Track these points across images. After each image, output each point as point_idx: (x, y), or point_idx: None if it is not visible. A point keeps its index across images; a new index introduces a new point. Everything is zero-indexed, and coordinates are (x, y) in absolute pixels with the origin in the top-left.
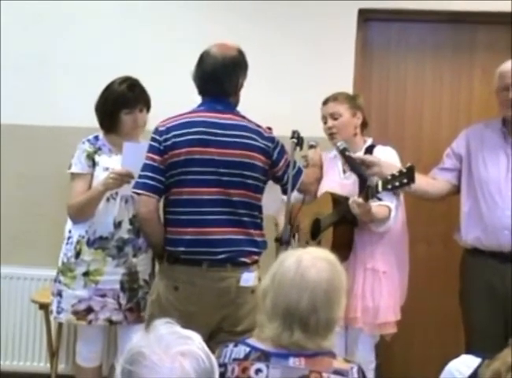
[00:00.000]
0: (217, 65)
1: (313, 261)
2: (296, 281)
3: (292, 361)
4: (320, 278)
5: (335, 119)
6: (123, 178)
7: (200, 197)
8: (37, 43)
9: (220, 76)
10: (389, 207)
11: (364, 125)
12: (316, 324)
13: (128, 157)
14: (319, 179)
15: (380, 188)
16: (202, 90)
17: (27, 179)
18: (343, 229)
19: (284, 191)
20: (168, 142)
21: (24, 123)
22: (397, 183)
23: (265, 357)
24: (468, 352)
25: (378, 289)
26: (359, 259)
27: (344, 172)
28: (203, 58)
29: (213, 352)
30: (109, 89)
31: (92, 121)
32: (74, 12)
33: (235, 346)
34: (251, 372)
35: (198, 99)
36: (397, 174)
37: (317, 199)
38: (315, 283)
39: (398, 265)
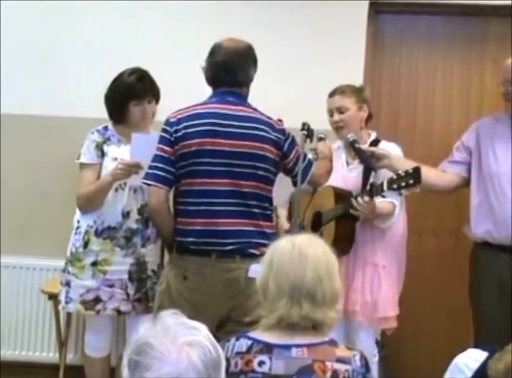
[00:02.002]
0: (229, 55)
1: (305, 239)
2: (295, 258)
3: (295, 352)
4: (317, 251)
5: (342, 113)
6: (131, 168)
7: (211, 188)
8: (44, 32)
9: (233, 65)
10: (393, 203)
11: (369, 118)
12: (323, 294)
13: (136, 148)
14: (330, 172)
15: (385, 187)
16: (214, 81)
17: (37, 169)
18: (345, 223)
19: (294, 183)
20: (179, 134)
21: (35, 113)
22: (403, 184)
23: (267, 348)
24: (477, 345)
25: (377, 283)
26: (360, 254)
27: (348, 164)
28: (215, 50)
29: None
30: (118, 80)
31: (99, 112)
32: (84, 3)
33: (237, 339)
34: (255, 364)
35: (209, 91)
36: (403, 174)
37: (319, 192)
38: (314, 257)
39: (397, 260)
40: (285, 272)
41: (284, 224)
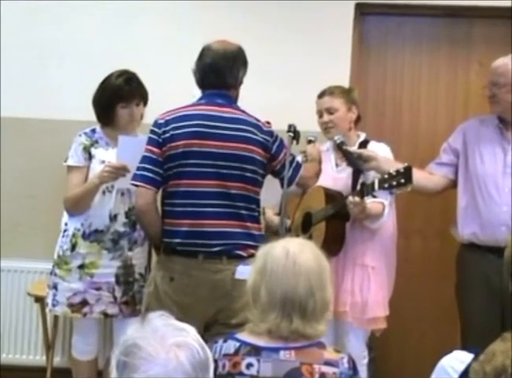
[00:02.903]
0: (217, 57)
1: (298, 247)
2: (289, 268)
3: (283, 354)
4: (310, 261)
5: (331, 113)
6: (118, 171)
7: (198, 189)
8: (34, 36)
9: (220, 68)
10: (383, 204)
11: (357, 120)
12: (313, 307)
13: (123, 151)
14: (318, 174)
15: (376, 187)
16: (202, 83)
17: (24, 172)
18: (336, 224)
19: (283, 185)
20: (167, 135)
21: (22, 116)
22: (394, 183)
23: (255, 351)
24: (464, 346)
25: (367, 284)
26: (349, 255)
27: (337, 165)
28: (204, 52)
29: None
30: (106, 82)
31: (86, 114)
32: (72, 4)
33: (225, 341)
34: (242, 366)
35: (197, 93)
36: (394, 173)
37: (309, 193)
38: (307, 267)
39: (387, 261)
40: (278, 282)
41: (272, 218)
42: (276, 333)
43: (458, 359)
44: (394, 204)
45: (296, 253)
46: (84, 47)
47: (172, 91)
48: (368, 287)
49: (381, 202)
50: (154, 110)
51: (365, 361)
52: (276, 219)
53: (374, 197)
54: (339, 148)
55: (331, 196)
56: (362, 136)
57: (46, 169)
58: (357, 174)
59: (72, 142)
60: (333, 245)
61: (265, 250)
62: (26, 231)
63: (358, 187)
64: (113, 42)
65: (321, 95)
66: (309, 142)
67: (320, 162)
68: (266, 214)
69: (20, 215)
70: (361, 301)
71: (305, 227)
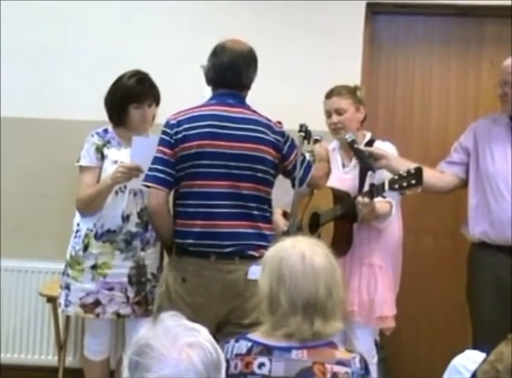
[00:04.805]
0: (235, 57)
1: (311, 248)
2: (308, 272)
3: (295, 354)
4: (325, 262)
5: (340, 114)
6: (131, 172)
7: (210, 190)
8: (40, 35)
9: (238, 67)
10: (391, 203)
11: (364, 119)
12: (332, 307)
13: (136, 151)
14: (328, 174)
15: (386, 188)
16: (216, 82)
17: (34, 171)
18: (344, 224)
19: (294, 185)
20: (179, 136)
21: (26, 116)
22: (404, 184)
23: (267, 351)
24: (475, 345)
25: (374, 283)
26: (357, 255)
27: (343, 166)
28: (219, 51)
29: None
30: (118, 83)
31: (96, 114)
32: (79, 2)
33: (237, 341)
34: (254, 366)
35: (207, 94)
36: (404, 174)
37: (316, 193)
38: (324, 269)
39: (393, 261)
40: (299, 289)
41: (279, 221)
42: (297, 336)
43: (470, 358)
44: (400, 204)
45: (311, 257)
46: (94, 47)
47: (182, 92)
48: (375, 286)
49: (389, 202)
50: (165, 110)
51: (374, 360)
52: (281, 221)
53: (383, 197)
54: (351, 146)
55: (339, 197)
56: (368, 136)
57: (57, 169)
58: (364, 175)
59: (81, 141)
60: (341, 245)
61: (278, 255)
62: (37, 231)
63: (368, 187)
64: (123, 41)
65: (329, 96)
66: (316, 141)
67: (329, 161)
68: (274, 215)
69: (32, 215)
70: (369, 300)
71: (312, 228)
